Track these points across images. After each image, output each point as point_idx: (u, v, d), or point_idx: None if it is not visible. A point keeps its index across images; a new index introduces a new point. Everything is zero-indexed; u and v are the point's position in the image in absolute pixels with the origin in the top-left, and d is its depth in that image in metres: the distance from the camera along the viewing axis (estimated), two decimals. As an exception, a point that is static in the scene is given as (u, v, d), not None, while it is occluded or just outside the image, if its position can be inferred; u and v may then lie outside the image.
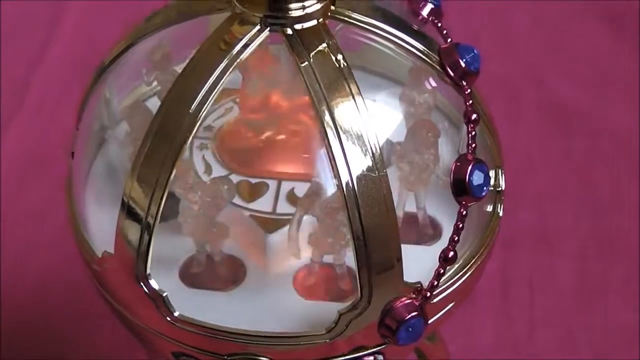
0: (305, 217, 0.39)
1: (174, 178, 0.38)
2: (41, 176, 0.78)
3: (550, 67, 0.91)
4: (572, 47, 0.93)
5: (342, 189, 0.34)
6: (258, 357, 0.37)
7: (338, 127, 0.35)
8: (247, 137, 0.42)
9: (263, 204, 0.41)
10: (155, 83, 0.44)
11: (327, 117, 0.35)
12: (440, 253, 0.37)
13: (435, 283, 0.37)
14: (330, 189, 0.37)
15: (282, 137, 0.42)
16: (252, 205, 0.41)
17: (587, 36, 0.94)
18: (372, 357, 0.38)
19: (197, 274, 0.40)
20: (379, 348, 0.38)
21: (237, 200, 0.41)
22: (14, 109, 0.83)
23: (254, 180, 0.42)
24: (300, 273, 0.40)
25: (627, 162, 0.81)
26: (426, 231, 0.42)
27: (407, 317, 0.36)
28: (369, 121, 0.35)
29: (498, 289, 0.73)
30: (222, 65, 0.36)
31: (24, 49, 0.90)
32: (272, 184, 0.42)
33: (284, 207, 0.40)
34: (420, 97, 0.42)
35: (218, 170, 0.42)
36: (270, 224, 0.40)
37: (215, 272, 0.40)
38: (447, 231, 0.42)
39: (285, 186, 0.41)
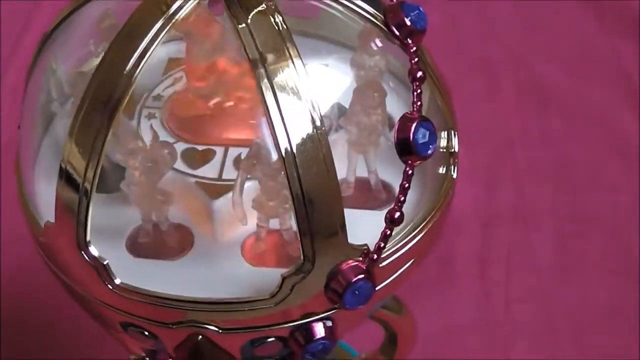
0: (250, 183, 0.38)
1: (116, 145, 0.38)
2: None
3: (529, 47, 0.90)
4: (551, 28, 0.93)
5: (280, 148, 0.34)
6: (203, 325, 0.37)
7: (275, 87, 0.34)
8: (194, 105, 0.42)
9: (209, 171, 0.40)
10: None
11: (265, 79, 0.34)
12: (386, 214, 0.36)
13: (382, 245, 0.36)
14: (271, 150, 0.36)
15: (229, 103, 0.42)
16: (198, 172, 0.40)
17: (566, 17, 0.94)
18: (321, 323, 0.37)
19: (144, 244, 0.40)
20: (329, 313, 0.37)
21: (183, 167, 0.40)
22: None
23: (201, 148, 0.41)
24: (249, 240, 0.39)
25: (604, 139, 0.81)
26: (379, 196, 0.41)
27: (353, 280, 0.35)
28: (308, 82, 0.35)
29: (476, 267, 0.72)
30: (157, 25, 0.36)
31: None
32: (220, 150, 0.41)
33: (230, 174, 0.40)
34: (370, 60, 0.42)
35: (165, 139, 0.41)
36: (215, 190, 0.39)
37: (163, 241, 0.39)
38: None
39: (233, 152, 0.41)
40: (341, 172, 0.41)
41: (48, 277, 0.67)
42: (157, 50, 0.47)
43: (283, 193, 0.36)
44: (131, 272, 0.38)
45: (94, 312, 0.40)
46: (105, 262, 0.36)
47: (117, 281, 0.37)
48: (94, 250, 0.36)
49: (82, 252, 0.36)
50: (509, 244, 0.73)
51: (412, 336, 0.53)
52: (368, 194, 0.41)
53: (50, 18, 0.41)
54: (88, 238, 0.36)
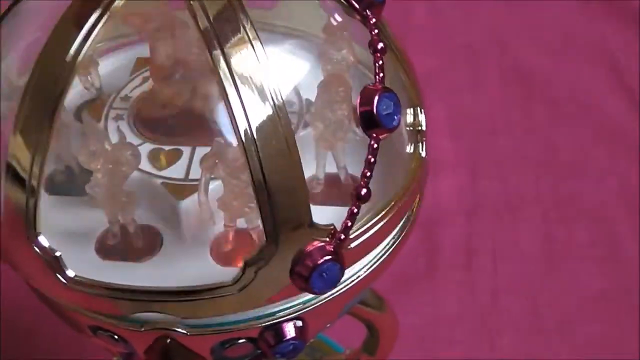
0: (218, 182, 0.37)
1: (81, 147, 0.38)
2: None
3: (512, 32, 0.90)
4: (535, 13, 0.92)
5: (241, 137, 0.33)
6: (171, 328, 0.36)
7: (233, 71, 0.33)
8: (161, 105, 0.41)
9: (176, 171, 0.39)
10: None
11: (222, 61, 0.33)
12: (352, 190, 0.34)
13: (349, 223, 0.35)
14: (231, 147, 0.35)
15: (197, 103, 0.41)
16: (164, 173, 0.39)
17: (549, 1, 0.93)
18: (291, 323, 0.37)
19: (112, 246, 0.39)
20: (299, 313, 0.37)
21: (149, 168, 0.39)
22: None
23: (167, 148, 0.40)
24: (217, 240, 0.39)
25: (588, 125, 0.80)
26: (350, 191, 0.41)
27: (319, 262, 0.33)
28: (268, 66, 0.33)
29: (461, 259, 0.72)
30: (97, 13, 0.34)
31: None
32: (187, 150, 0.40)
33: (197, 174, 0.39)
34: (338, 54, 0.41)
35: (131, 140, 0.41)
36: (182, 190, 0.38)
37: (131, 243, 0.39)
38: (372, 190, 0.41)
39: (200, 152, 0.40)
40: (312, 168, 0.41)
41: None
42: (126, 50, 0.47)
43: (247, 192, 0.36)
44: (101, 276, 0.38)
45: (64, 315, 0.39)
46: (57, 254, 0.36)
47: (70, 274, 0.36)
48: (44, 240, 0.35)
49: (33, 245, 0.35)
50: (495, 234, 0.73)
51: (394, 332, 0.53)
52: (338, 190, 0.41)
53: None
54: (38, 230, 0.35)
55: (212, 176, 0.36)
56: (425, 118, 0.41)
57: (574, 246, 0.72)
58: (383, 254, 0.39)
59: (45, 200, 0.41)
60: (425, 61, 0.87)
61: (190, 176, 0.39)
